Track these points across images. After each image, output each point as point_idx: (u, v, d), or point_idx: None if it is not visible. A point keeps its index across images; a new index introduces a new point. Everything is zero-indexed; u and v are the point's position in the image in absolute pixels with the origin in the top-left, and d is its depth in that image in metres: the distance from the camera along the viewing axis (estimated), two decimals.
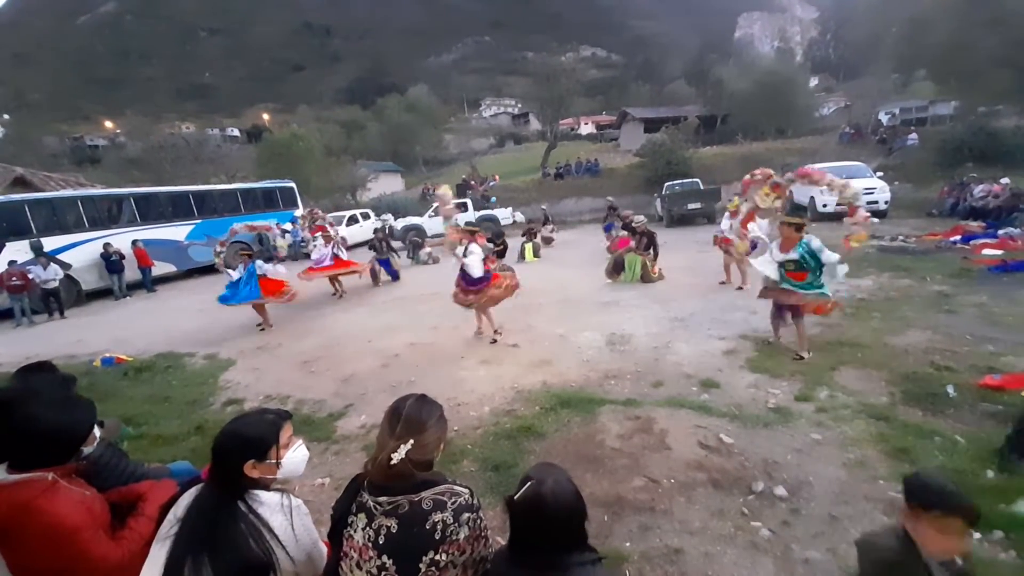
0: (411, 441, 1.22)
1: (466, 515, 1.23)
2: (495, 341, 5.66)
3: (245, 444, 1.28)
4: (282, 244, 9.47)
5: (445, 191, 5.86)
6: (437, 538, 1.18)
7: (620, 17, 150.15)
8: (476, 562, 1.26)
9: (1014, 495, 2.37)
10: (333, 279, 9.35)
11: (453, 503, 1.23)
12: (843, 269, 4.50)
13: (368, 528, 1.22)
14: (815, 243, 4.38)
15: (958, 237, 9.48)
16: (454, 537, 1.20)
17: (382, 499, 1.22)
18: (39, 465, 1.39)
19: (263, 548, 1.20)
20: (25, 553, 1.35)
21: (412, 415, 1.29)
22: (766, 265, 4.72)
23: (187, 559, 1.15)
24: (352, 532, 1.25)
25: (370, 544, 1.20)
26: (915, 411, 3.37)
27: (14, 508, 1.31)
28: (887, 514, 2.39)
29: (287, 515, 1.28)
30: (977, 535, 2.20)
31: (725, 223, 7.52)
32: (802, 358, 4.38)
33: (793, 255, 4.42)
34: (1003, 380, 3.52)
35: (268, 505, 1.27)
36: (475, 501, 1.28)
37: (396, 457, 1.19)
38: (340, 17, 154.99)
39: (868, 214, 4.39)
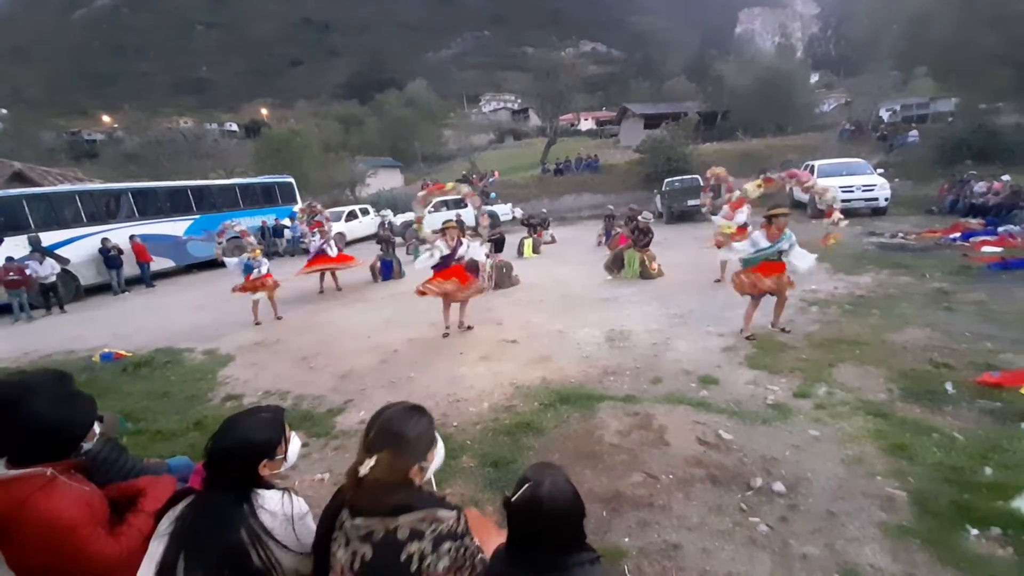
0: (375, 457, 1.12)
1: (447, 544, 1.14)
2: (470, 327, 6.04)
3: (259, 447, 1.32)
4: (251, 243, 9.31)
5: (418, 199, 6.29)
6: (412, 570, 1.10)
7: (620, 12, 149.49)
8: None
9: (1012, 492, 2.38)
10: (324, 274, 9.26)
11: (433, 531, 1.14)
12: (807, 263, 4.89)
13: (346, 549, 1.15)
14: (793, 238, 4.83)
15: (958, 234, 9.47)
16: (431, 570, 1.11)
17: (357, 521, 1.15)
18: (38, 461, 1.38)
19: (263, 557, 1.19)
20: (24, 549, 1.35)
21: (390, 425, 1.19)
22: (742, 249, 5.08)
23: (179, 560, 1.14)
24: (336, 549, 1.19)
25: (347, 568, 1.14)
26: (913, 408, 3.38)
27: (12, 504, 1.31)
28: (884, 510, 2.40)
29: (289, 518, 1.28)
30: (975, 532, 2.21)
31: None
32: (785, 331, 4.93)
33: (777, 245, 4.83)
34: (1001, 377, 3.53)
35: (270, 507, 1.27)
36: (460, 527, 1.18)
37: (362, 470, 1.11)
38: (338, 12, 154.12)
39: (843, 216, 5.03)
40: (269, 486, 1.34)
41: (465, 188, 6.75)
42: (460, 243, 5.86)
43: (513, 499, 1.17)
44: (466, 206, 19.43)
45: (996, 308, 5.22)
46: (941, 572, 2.04)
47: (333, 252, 9.01)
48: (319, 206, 10.07)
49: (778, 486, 2.62)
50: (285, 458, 1.39)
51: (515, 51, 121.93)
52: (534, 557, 1.16)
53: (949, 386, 3.55)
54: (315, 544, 1.27)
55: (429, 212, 17.59)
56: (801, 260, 4.88)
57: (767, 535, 2.31)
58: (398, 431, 1.18)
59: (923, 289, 6.22)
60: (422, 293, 5.76)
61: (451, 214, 18.58)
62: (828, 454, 2.89)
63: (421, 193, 6.62)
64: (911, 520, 2.32)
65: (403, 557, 1.11)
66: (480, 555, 1.23)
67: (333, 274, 9.37)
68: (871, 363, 4.11)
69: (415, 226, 6.65)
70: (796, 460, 2.85)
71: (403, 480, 1.18)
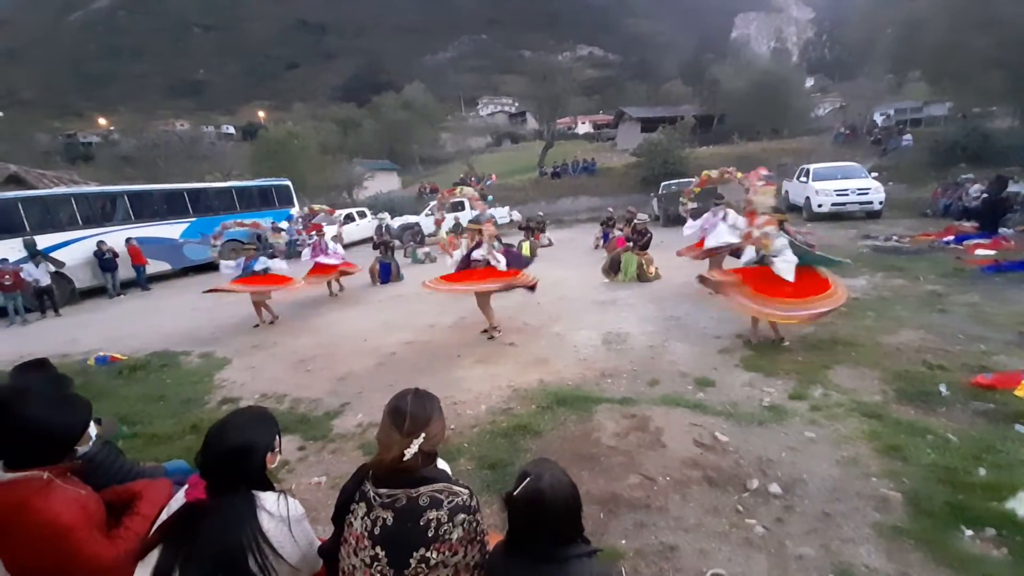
0: (423, 435, 1.26)
1: (461, 516, 1.23)
2: (492, 338, 5.70)
3: (263, 442, 1.35)
4: (278, 240, 9.23)
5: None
6: (430, 535, 1.20)
7: (617, 16, 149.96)
8: (469, 567, 1.26)
9: (1006, 493, 2.39)
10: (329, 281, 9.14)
11: (450, 502, 1.24)
12: (788, 265, 4.55)
13: (366, 518, 1.24)
14: (780, 243, 4.54)
15: (951, 237, 9.54)
16: (447, 537, 1.21)
17: (382, 491, 1.25)
18: (34, 464, 1.38)
19: (260, 562, 1.19)
20: (20, 552, 1.35)
21: (416, 410, 1.31)
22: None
23: (175, 565, 1.14)
24: (353, 519, 1.28)
25: (366, 534, 1.23)
26: (908, 409, 3.40)
27: (9, 507, 1.31)
28: (879, 511, 2.41)
29: (285, 520, 1.28)
30: (969, 532, 2.23)
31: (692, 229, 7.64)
32: (783, 340, 4.69)
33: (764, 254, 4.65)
34: (994, 379, 3.55)
35: (268, 509, 1.27)
36: (473, 503, 1.29)
37: (409, 453, 1.23)
38: (335, 14, 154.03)
39: (764, 228, 4.65)
40: (270, 486, 1.34)
41: (469, 191, 7.25)
42: (479, 245, 5.75)
43: (515, 493, 1.20)
44: (463, 208, 19.50)
45: (989, 310, 5.26)
46: (935, 572, 2.05)
47: (332, 259, 8.86)
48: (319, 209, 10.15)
49: (774, 487, 2.63)
50: (280, 450, 1.43)
51: (512, 54, 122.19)
52: (533, 549, 1.19)
53: (943, 388, 3.57)
54: (334, 516, 1.37)
55: (426, 215, 17.73)
56: (784, 265, 4.52)
57: (763, 536, 2.32)
58: (428, 414, 1.32)
59: (917, 291, 6.26)
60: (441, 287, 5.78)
61: (449, 217, 18.62)
62: (823, 455, 2.91)
63: (435, 201, 7.05)
64: (905, 521, 2.33)
65: (422, 522, 1.20)
66: (487, 535, 1.33)
67: (338, 279, 9.28)
68: (866, 365, 4.13)
69: (436, 228, 7.09)
70: (792, 461, 2.87)
71: (435, 452, 1.36)
